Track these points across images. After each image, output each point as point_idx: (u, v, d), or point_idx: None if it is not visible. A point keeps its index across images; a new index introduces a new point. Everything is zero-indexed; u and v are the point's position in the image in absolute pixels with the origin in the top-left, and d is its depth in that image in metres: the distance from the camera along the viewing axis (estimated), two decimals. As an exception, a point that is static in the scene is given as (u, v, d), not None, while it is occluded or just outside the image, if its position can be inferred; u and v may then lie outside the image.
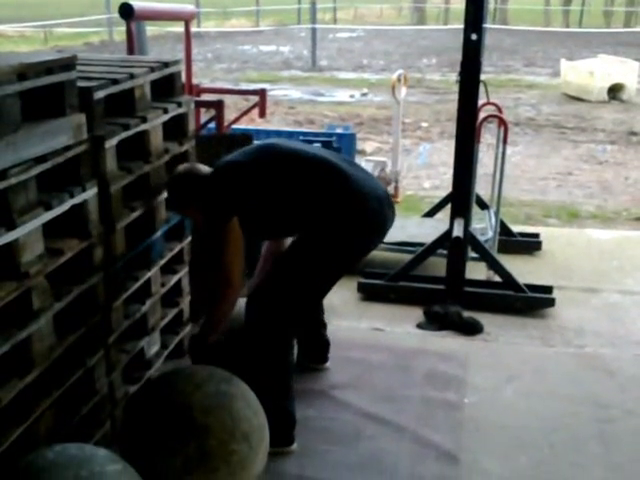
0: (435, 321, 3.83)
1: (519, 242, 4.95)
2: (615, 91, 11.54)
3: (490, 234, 4.42)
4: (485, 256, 4.11)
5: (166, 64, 3.06)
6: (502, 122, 4.40)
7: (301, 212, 2.75)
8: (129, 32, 3.92)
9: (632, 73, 11.67)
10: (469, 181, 4.05)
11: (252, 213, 2.76)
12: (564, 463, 2.79)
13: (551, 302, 4.02)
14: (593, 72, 11.52)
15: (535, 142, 8.99)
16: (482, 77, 4.12)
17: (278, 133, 5.21)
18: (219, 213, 2.71)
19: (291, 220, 2.80)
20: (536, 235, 5.08)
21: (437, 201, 6.52)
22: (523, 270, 4.41)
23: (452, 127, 9.44)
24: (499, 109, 4.90)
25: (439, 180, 7.11)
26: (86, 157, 2.46)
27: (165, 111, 2.96)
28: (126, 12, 3.80)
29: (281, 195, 2.74)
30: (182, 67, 3.20)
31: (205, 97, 4.40)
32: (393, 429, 2.93)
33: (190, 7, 4.54)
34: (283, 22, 24.27)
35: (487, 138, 8.34)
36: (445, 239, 4.07)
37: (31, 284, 2.18)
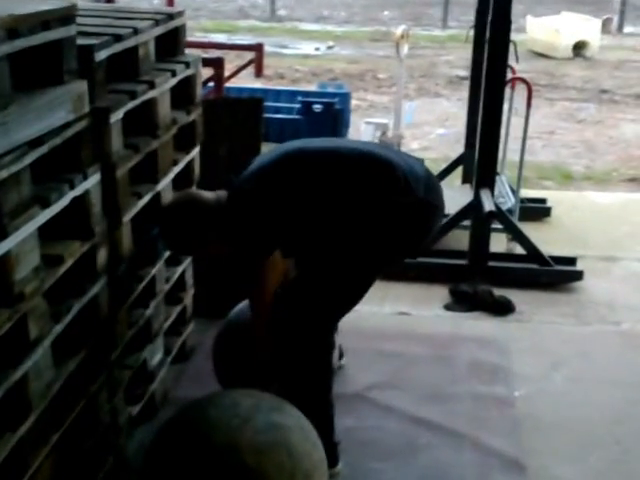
0: (464, 301, 3.34)
1: (528, 209, 4.45)
2: (579, 48, 11.08)
3: (510, 204, 3.92)
4: (512, 230, 3.62)
5: (170, 16, 2.42)
6: (526, 84, 3.85)
7: (352, 214, 2.16)
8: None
9: (595, 30, 11.22)
10: (496, 149, 3.52)
11: (296, 235, 2.21)
12: (638, 461, 2.39)
13: (579, 275, 3.57)
14: (559, 29, 11.02)
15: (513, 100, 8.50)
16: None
17: (271, 92, 4.57)
18: (258, 249, 2.17)
19: (341, 227, 2.18)
20: (544, 200, 4.61)
21: (430, 164, 6.02)
22: (537, 239, 3.92)
23: (428, 84, 9.04)
24: (513, 70, 4.34)
25: (426, 141, 6.57)
26: (88, 136, 1.85)
27: (173, 74, 2.34)
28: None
29: (325, 205, 2.15)
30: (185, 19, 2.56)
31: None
32: (448, 435, 2.46)
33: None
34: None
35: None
36: (469, 210, 3.55)
37: (27, 308, 1.59)
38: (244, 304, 2.48)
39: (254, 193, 2.16)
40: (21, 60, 1.64)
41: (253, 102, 2.99)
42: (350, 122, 4.92)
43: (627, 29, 13.68)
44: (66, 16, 1.69)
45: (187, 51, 3.96)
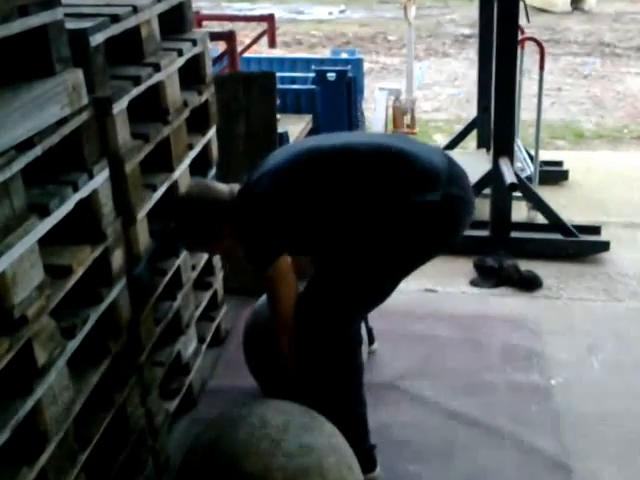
0: (489, 276, 3.05)
1: (545, 173, 4.12)
2: (577, 1, 10.54)
3: (528, 171, 3.60)
4: (535, 200, 3.30)
5: (174, -11, 2.09)
6: (538, 44, 3.48)
7: (370, 214, 1.86)
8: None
9: (592, -17, 10.66)
10: (512, 117, 3.17)
11: (312, 237, 1.95)
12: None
13: (605, 246, 3.26)
14: (556, -19, 10.49)
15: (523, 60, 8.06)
16: None
17: (287, 61, 4.23)
18: (264, 254, 1.90)
19: (360, 228, 1.88)
20: (560, 163, 4.27)
21: (442, 125, 5.71)
22: (556, 205, 3.59)
23: (435, 43, 8.56)
24: (522, 30, 3.97)
25: (437, 102, 6.19)
26: (89, 130, 1.55)
27: (180, 53, 2.02)
28: None
29: (343, 205, 1.87)
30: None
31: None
32: (488, 433, 2.19)
33: None
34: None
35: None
36: (488, 180, 3.24)
37: (31, 332, 1.31)
38: None
39: (266, 197, 1.88)
40: (4, 52, 1.34)
41: (267, 77, 2.66)
42: (364, 87, 4.59)
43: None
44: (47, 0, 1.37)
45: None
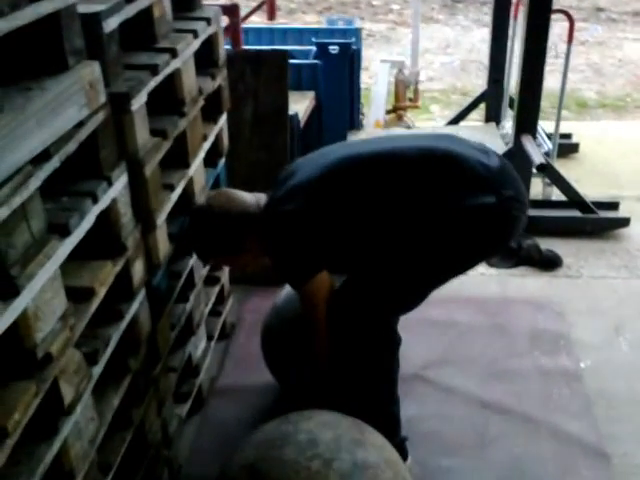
0: (508, 257, 2.91)
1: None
2: (568, -38, 10.22)
3: (546, 147, 3.42)
4: (560, 181, 3.13)
5: (184, -37, 1.86)
6: (568, 16, 3.27)
7: (415, 226, 1.69)
8: None
9: (583, -58, 10.31)
10: (539, 92, 2.98)
11: (351, 252, 1.77)
12: None
13: (625, 222, 3.13)
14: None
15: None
16: None
17: (277, 31, 3.96)
18: (299, 273, 1.74)
19: (404, 240, 1.71)
20: (569, 136, 4.10)
21: (438, 95, 5.49)
22: (568, 178, 3.45)
23: (423, 9, 8.22)
24: None
25: (431, 71, 5.96)
26: (106, 131, 1.35)
27: (195, 35, 1.80)
28: None
29: (385, 218, 1.69)
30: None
31: None
32: (521, 421, 2.07)
33: None
34: None
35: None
36: (509, 156, 3.06)
37: (57, 370, 1.14)
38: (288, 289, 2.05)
39: (298, 214, 1.69)
40: (8, 47, 1.14)
41: (278, 55, 2.44)
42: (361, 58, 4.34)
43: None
44: (63, -20, 1.17)
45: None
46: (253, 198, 1.79)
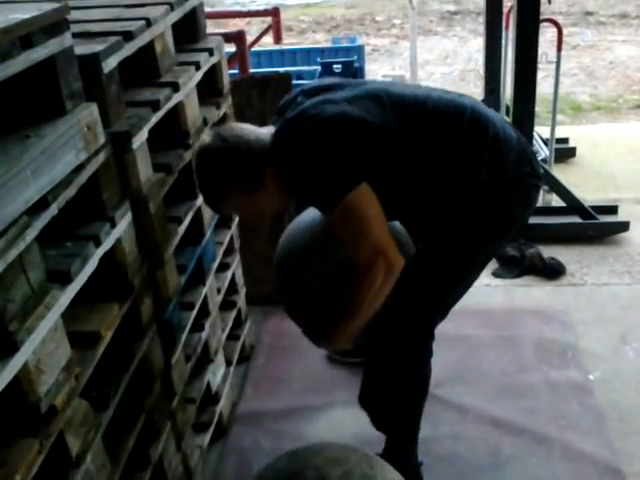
0: (512, 266, 2.80)
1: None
2: (558, -29, 10.07)
3: (543, 154, 3.31)
4: (558, 188, 3.02)
5: (185, -5, 1.77)
6: (556, 26, 3.17)
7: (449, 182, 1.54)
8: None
9: (571, -49, 10.15)
10: (533, 101, 2.89)
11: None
12: None
13: (624, 226, 3.01)
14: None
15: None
16: None
17: (287, 52, 3.89)
18: (337, 182, 1.40)
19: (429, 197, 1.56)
20: (566, 140, 3.98)
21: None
22: (566, 183, 3.32)
23: (422, 21, 8.12)
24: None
25: (432, 81, 5.84)
26: (108, 171, 1.26)
27: (197, 66, 1.71)
28: None
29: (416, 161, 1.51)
30: (201, -4, 1.90)
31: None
32: (534, 440, 1.95)
33: None
34: None
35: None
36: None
37: (62, 423, 1.05)
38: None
39: (338, 118, 1.41)
40: (5, 93, 1.05)
41: (282, 78, 2.35)
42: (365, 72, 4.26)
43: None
44: (55, 23, 1.08)
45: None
46: (265, 129, 1.55)
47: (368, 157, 1.44)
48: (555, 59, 3.25)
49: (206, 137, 1.52)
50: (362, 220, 1.41)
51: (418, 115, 1.52)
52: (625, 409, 2.06)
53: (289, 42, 6.80)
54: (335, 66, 3.41)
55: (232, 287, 2.17)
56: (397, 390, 1.73)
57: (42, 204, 1.03)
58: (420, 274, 1.60)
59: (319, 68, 3.38)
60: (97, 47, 1.28)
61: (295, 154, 1.43)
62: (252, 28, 6.69)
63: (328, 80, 1.64)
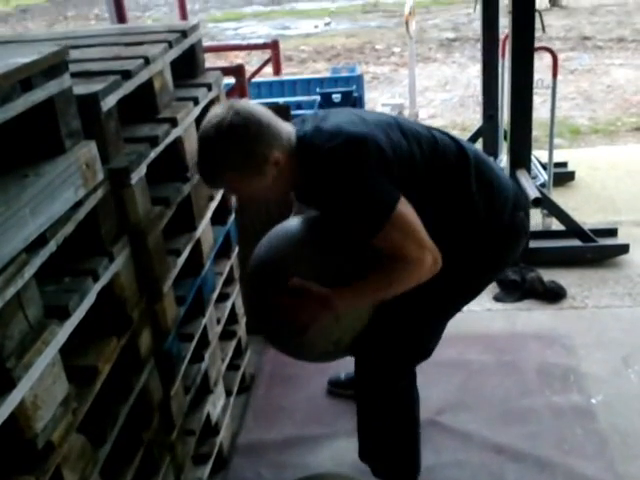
0: (513, 290, 2.80)
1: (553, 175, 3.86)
2: (555, -2, 10.21)
3: (542, 178, 3.33)
4: (556, 212, 3.03)
5: (184, 33, 1.81)
6: (551, 53, 3.21)
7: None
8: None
9: (567, -22, 10.30)
10: (529, 128, 2.91)
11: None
12: None
13: (624, 249, 3.00)
14: (534, -19, 10.13)
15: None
16: None
17: (287, 83, 3.95)
18: (385, 200, 1.41)
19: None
20: (565, 164, 4.00)
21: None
22: (566, 207, 3.33)
23: (422, 49, 8.22)
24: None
25: (432, 108, 5.90)
26: (106, 207, 1.28)
27: (195, 102, 1.74)
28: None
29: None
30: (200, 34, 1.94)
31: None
32: (537, 466, 1.93)
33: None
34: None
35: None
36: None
37: (59, 458, 1.05)
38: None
39: (365, 138, 1.41)
40: (5, 132, 1.08)
41: (281, 109, 2.37)
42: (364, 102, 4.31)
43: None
44: (55, 65, 1.11)
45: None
46: (283, 122, 1.49)
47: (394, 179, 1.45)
48: (551, 86, 3.28)
49: (218, 108, 1.45)
50: (409, 228, 1.42)
51: (431, 149, 1.55)
52: (628, 433, 2.04)
53: (290, 71, 6.90)
54: (334, 96, 3.46)
55: (232, 317, 2.17)
56: (388, 416, 1.73)
57: (41, 241, 1.05)
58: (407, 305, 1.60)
59: (318, 98, 3.42)
60: (96, 86, 1.30)
61: (336, 176, 1.40)
62: (252, 59, 6.81)
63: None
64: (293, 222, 1.69)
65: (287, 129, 1.47)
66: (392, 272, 1.46)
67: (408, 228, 1.42)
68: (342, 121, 1.47)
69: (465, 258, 1.58)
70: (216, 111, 1.43)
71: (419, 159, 1.50)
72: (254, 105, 1.47)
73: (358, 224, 1.43)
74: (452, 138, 1.63)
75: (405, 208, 1.42)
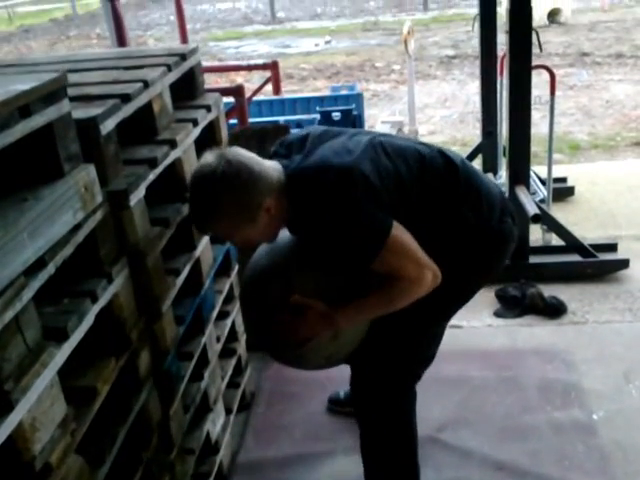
0: (513, 306, 2.79)
1: (552, 190, 3.87)
2: (553, 15, 10.26)
3: (541, 194, 3.34)
4: (556, 227, 3.03)
5: (183, 56, 1.83)
6: (549, 71, 3.24)
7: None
8: (115, 13, 2.61)
9: (565, -4, 10.40)
10: (528, 145, 2.92)
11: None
12: None
13: (624, 264, 3.00)
14: (532, -1, 10.24)
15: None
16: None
17: (288, 101, 3.98)
18: (379, 229, 1.43)
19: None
20: (564, 179, 4.01)
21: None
22: (567, 222, 3.35)
23: (422, 66, 8.28)
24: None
25: (432, 124, 5.93)
26: (105, 229, 1.29)
27: (194, 123, 1.76)
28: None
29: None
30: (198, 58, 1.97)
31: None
32: (539, 484, 1.94)
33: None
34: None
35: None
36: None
37: (58, 480, 1.06)
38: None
39: (355, 167, 1.42)
40: (4, 157, 1.09)
41: (280, 130, 2.41)
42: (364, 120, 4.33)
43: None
44: (53, 92, 1.13)
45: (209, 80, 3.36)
46: (269, 163, 1.51)
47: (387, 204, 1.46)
48: (549, 103, 3.29)
49: (209, 156, 1.44)
50: (405, 251, 1.44)
51: (418, 164, 1.57)
52: (630, 448, 2.03)
53: (290, 89, 6.96)
54: (334, 114, 3.47)
55: (232, 334, 2.17)
56: (386, 433, 1.73)
57: (39, 264, 1.06)
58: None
59: (318, 116, 3.44)
60: (95, 111, 1.32)
61: (326, 210, 1.41)
62: (253, 77, 6.87)
63: (335, 129, 1.66)
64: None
65: (276, 171, 1.48)
66: (393, 290, 1.49)
67: (403, 250, 1.44)
68: (327, 154, 1.48)
69: (456, 266, 1.59)
70: (207, 159, 1.43)
71: (407, 177, 1.51)
72: (244, 152, 1.48)
73: (353, 255, 1.44)
74: (438, 150, 1.64)
75: (398, 231, 1.43)
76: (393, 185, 1.49)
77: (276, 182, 1.46)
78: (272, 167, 1.49)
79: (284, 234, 1.65)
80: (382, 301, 1.51)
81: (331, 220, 1.41)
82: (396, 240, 1.43)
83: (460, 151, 5.17)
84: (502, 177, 3.68)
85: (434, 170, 1.57)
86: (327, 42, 10.09)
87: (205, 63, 3.91)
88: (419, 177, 1.54)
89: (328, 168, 1.44)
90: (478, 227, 1.60)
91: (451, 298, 1.67)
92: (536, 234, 3.26)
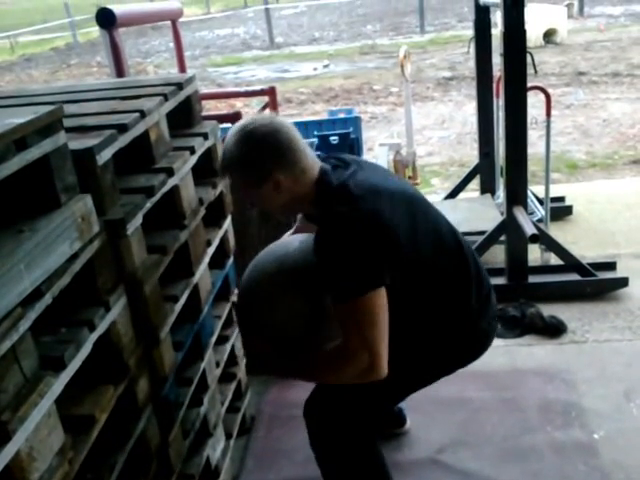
0: (513, 326, 2.80)
1: (550, 210, 3.89)
2: (549, 35, 10.37)
3: (539, 214, 3.36)
4: (554, 247, 3.05)
5: (179, 85, 1.87)
6: (545, 93, 3.28)
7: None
8: (113, 42, 2.66)
9: (561, 16, 10.49)
10: (525, 166, 2.95)
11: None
12: None
13: (624, 282, 3.01)
14: (528, 20, 10.31)
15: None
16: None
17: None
18: (368, 279, 1.41)
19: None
20: (562, 199, 4.03)
21: (438, 168, 5.48)
22: (565, 241, 3.37)
23: (419, 88, 8.37)
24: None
25: (430, 146, 5.98)
26: (102, 258, 1.31)
27: (192, 151, 1.79)
28: (107, 21, 2.54)
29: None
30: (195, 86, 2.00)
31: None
32: (539, 507, 1.93)
33: (176, 4, 3.25)
34: (230, 6, 22.07)
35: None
36: (502, 229, 3.00)
37: (54, 510, 1.06)
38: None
39: (373, 215, 1.42)
40: (1, 189, 1.12)
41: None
42: (362, 143, 4.37)
43: (586, 11, 12.99)
44: (49, 125, 1.15)
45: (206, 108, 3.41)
46: (313, 157, 1.54)
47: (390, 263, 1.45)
48: (545, 124, 3.33)
49: (267, 113, 1.52)
50: (369, 320, 1.40)
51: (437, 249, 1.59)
52: (631, 468, 2.03)
53: (289, 113, 7.02)
54: (332, 138, 3.51)
55: (232, 359, 2.18)
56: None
57: (36, 294, 1.08)
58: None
59: (316, 140, 3.48)
60: (91, 141, 1.35)
61: (346, 232, 1.41)
62: (252, 101, 6.94)
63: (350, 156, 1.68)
64: (290, 248, 1.69)
65: (310, 163, 1.51)
66: (330, 355, 1.49)
67: (364, 320, 1.40)
68: (367, 188, 1.46)
69: (427, 356, 1.66)
70: (262, 114, 1.56)
71: (425, 254, 1.53)
72: (292, 129, 1.52)
73: (333, 280, 1.42)
74: (453, 232, 1.66)
75: (378, 300, 1.39)
76: (411, 251, 1.49)
77: (300, 169, 1.48)
78: (309, 158, 1.52)
79: (300, 243, 1.65)
80: (318, 364, 1.53)
81: (333, 247, 1.40)
82: (368, 304, 1.38)
83: (459, 172, 5.22)
84: (500, 197, 3.71)
85: (450, 254, 1.60)
86: (325, 66, 10.20)
87: (204, 89, 3.94)
88: (435, 260, 1.56)
89: (358, 205, 1.42)
90: (472, 323, 1.64)
91: (412, 379, 1.71)
92: (535, 254, 3.28)
